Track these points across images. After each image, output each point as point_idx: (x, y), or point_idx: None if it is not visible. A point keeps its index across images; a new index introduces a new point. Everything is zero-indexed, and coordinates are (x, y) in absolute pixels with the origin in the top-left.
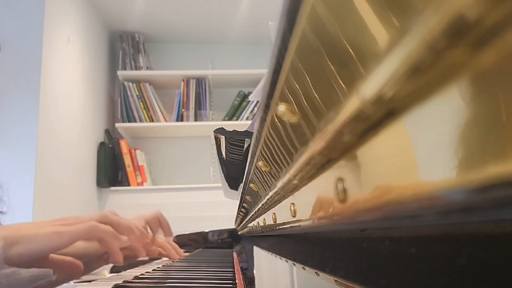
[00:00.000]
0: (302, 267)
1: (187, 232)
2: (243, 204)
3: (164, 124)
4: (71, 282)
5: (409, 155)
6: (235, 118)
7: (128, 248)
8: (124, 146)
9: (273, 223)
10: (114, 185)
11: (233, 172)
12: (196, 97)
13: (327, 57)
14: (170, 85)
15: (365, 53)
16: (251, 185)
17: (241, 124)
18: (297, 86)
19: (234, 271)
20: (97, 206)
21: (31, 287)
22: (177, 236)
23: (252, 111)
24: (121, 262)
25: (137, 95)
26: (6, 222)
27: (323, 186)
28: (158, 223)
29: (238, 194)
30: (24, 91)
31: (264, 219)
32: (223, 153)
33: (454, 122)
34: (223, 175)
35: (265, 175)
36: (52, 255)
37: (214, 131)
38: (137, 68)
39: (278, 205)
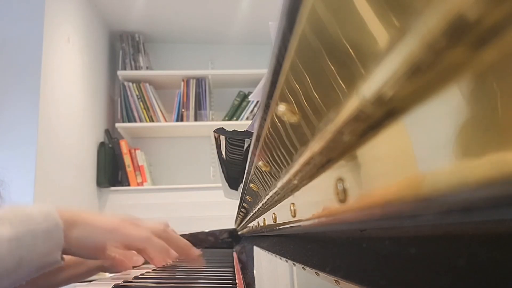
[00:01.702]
0: (302, 267)
1: (187, 232)
2: (243, 204)
3: (164, 124)
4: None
5: (409, 155)
6: (235, 118)
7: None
8: (124, 146)
9: (273, 223)
10: (114, 185)
11: (233, 172)
12: (196, 97)
13: (327, 57)
14: (170, 85)
15: (365, 53)
16: (251, 185)
17: (241, 124)
18: (297, 86)
19: (234, 271)
20: (97, 206)
21: (37, 275)
22: None
23: (252, 111)
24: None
25: (137, 95)
26: None
27: (323, 186)
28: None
29: (238, 194)
30: (24, 91)
31: (264, 219)
32: (223, 153)
33: (454, 122)
34: (223, 175)
35: (265, 175)
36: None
37: (214, 131)
38: (137, 68)
39: (278, 205)
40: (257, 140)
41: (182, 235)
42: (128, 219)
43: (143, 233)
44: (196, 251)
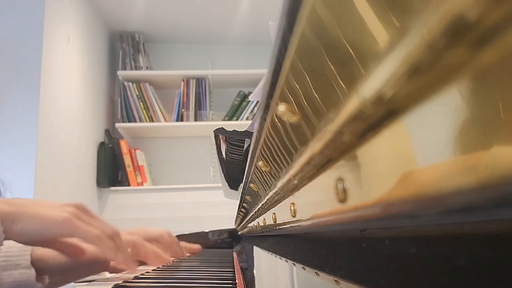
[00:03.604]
0: (302, 267)
1: (187, 232)
2: (243, 204)
3: (164, 124)
4: (71, 282)
5: (409, 155)
6: (235, 118)
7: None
8: (124, 146)
9: (273, 223)
10: (114, 185)
11: (233, 172)
12: (196, 97)
13: (327, 57)
14: (170, 85)
15: (365, 53)
16: (251, 185)
17: (241, 124)
18: (297, 86)
19: (234, 271)
20: (97, 206)
21: None
22: (177, 236)
23: (252, 111)
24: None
25: (137, 95)
26: None
27: (323, 186)
28: (168, 240)
29: (238, 194)
30: (24, 91)
31: (264, 219)
32: (223, 153)
33: (454, 122)
34: (223, 175)
35: (265, 175)
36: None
37: (214, 131)
38: (137, 68)
39: (278, 205)
40: (257, 140)
41: (182, 235)
42: (81, 212)
43: (93, 230)
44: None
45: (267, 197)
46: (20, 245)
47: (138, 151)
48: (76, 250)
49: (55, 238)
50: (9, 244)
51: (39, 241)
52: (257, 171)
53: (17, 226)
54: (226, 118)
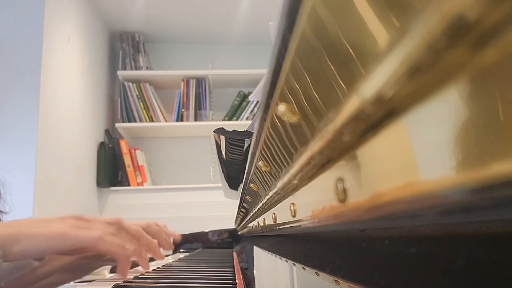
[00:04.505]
0: (302, 267)
1: (187, 232)
2: (243, 204)
3: (164, 124)
4: (71, 282)
5: (409, 155)
6: (235, 118)
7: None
8: (124, 146)
9: (273, 223)
10: (114, 185)
11: (233, 172)
12: (196, 97)
13: (327, 57)
14: (170, 85)
15: (365, 53)
16: (251, 185)
17: (241, 124)
18: (297, 86)
19: (234, 271)
20: (97, 206)
21: (11, 278)
22: None
23: (252, 111)
24: (126, 275)
25: (137, 95)
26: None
27: (323, 186)
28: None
29: (238, 194)
30: (24, 91)
31: (264, 219)
32: (223, 153)
33: (454, 122)
34: (223, 175)
35: (265, 175)
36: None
37: (214, 131)
38: (137, 68)
39: (278, 205)
40: (257, 140)
41: (182, 235)
42: (78, 220)
43: (93, 233)
44: (160, 254)
45: (267, 197)
46: None
47: (138, 151)
48: (78, 266)
49: (58, 252)
50: None
51: (42, 258)
52: (257, 171)
53: (17, 247)
54: (226, 118)
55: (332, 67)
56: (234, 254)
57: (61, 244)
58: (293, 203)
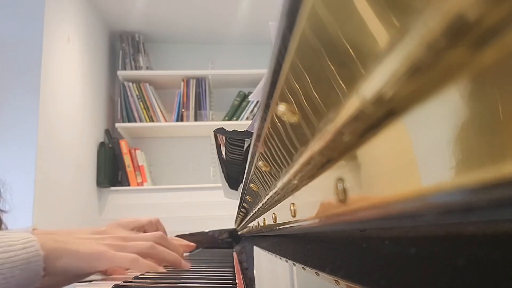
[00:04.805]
0: (302, 267)
1: (187, 232)
2: (243, 204)
3: (164, 124)
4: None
5: (409, 155)
6: (235, 118)
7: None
8: (124, 146)
9: (273, 223)
10: (114, 185)
11: (233, 172)
12: (196, 97)
13: (327, 57)
14: (170, 85)
15: (365, 53)
16: (251, 185)
17: (241, 124)
18: (297, 86)
19: (234, 271)
20: (97, 206)
21: None
22: (177, 236)
23: (252, 111)
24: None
25: (137, 95)
26: (7, 221)
27: (323, 186)
28: (155, 228)
29: (238, 194)
30: (24, 91)
31: (264, 219)
32: (223, 153)
33: (454, 122)
34: (223, 175)
35: (265, 175)
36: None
37: (214, 131)
38: (137, 68)
39: (278, 205)
40: (257, 140)
41: (182, 235)
42: (114, 240)
43: (129, 256)
44: (186, 265)
45: (267, 197)
46: (22, 230)
47: (138, 151)
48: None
49: (95, 271)
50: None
51: (81, 275)
52: (257, 171)
53: (59, 262)
54: (226, 118)
55: (332, 67)
56: (234, 254)
57: (98, 263)
58: (293, 203)
